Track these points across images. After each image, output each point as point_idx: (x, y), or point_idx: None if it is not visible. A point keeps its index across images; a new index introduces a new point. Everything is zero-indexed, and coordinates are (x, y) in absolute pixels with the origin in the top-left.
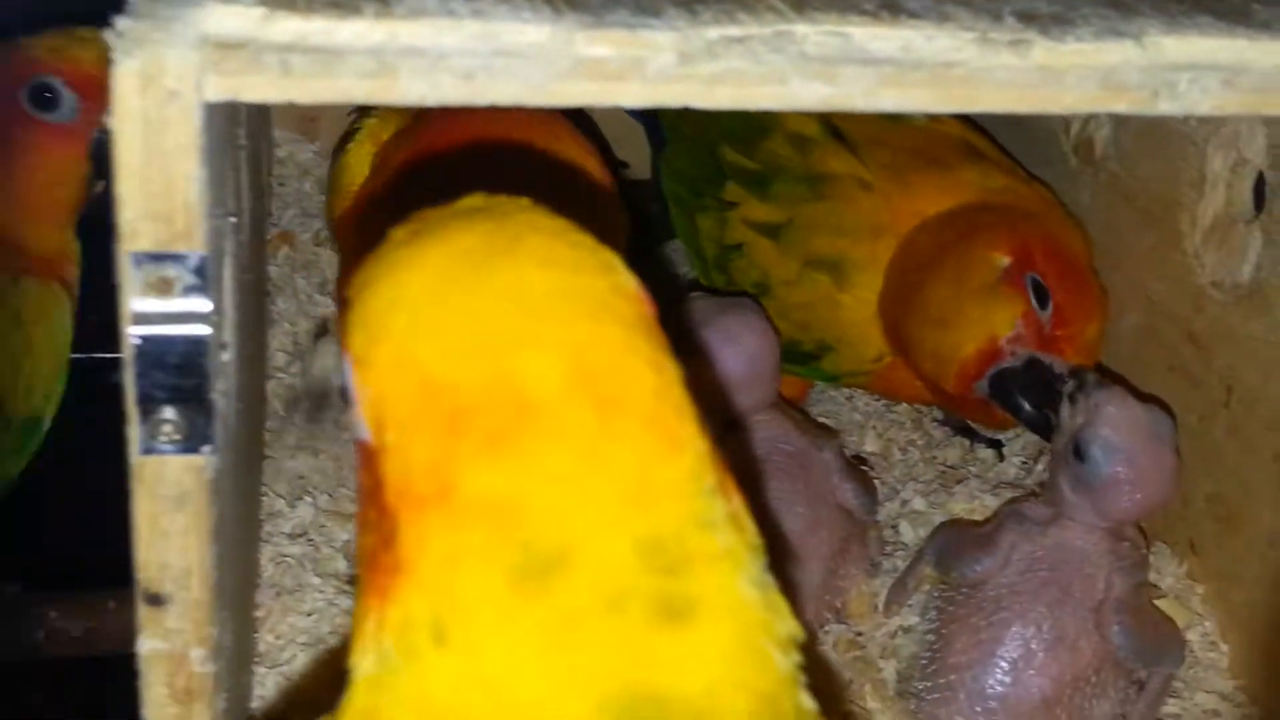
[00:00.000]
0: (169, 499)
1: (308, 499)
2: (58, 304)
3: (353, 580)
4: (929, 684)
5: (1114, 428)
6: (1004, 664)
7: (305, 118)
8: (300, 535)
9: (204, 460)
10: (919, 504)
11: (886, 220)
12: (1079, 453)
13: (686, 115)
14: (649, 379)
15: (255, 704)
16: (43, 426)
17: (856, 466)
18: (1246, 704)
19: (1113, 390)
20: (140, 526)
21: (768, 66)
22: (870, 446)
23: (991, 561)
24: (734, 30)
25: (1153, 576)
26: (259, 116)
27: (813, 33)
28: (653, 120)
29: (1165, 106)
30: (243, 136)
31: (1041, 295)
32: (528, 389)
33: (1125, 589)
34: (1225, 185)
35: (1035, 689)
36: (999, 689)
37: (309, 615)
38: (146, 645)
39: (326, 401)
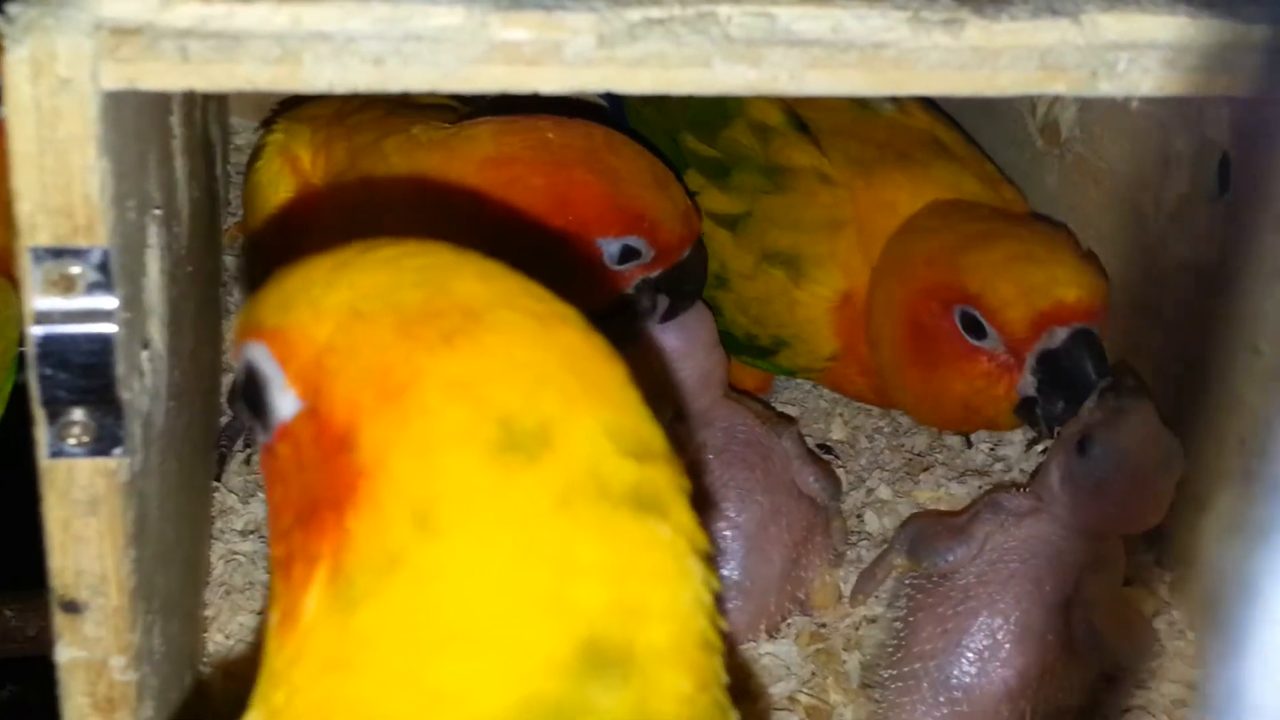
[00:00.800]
0: (81, 503)
1: (260, 495)
2: (5, 300)
3: None
4: (893, 673)
5: (1128, 436)
6: (969, 655)
7: (264, 105)
8: (252, 532)
9: (116, 463)
10: (884, 493)
11: (846, 215)
12: (1083, 446)
13: (649, 98)
14: (579, 322)
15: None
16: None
17: (816, 454)
18: None
19: (1144, 404)
20: (52, 532)
21: (690, 49)
22: (837, 434)
23: (965, 551)
24: (655, 11)
25: None
26: (214, 104)
27: (737, 13)
28: (617, 101)
29: (1105, 87)
30: (176, 125)
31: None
32: (468, 301)
33: (1097, 586)
34: (1190, 166)
35: (1000, 680)
36: (963, 679)
37: (260, 614)
38: (65, 654)
39: None
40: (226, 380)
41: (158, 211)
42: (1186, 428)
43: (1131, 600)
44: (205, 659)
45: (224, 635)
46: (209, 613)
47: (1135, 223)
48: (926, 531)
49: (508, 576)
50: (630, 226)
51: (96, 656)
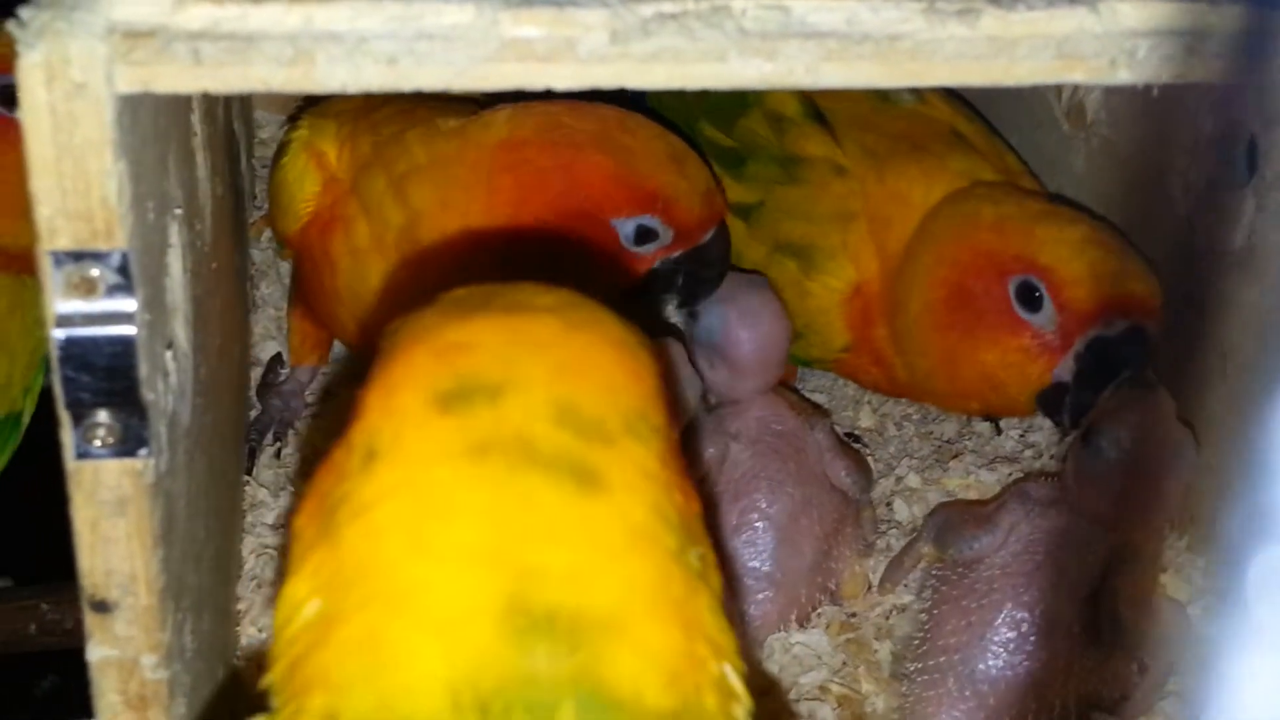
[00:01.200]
0: (108, 504)
1: (291, 489)
2: (32, 298)
3: None
4: (919, 665)
5: (1133, 428)
6: (994, 647)
7: (288, 100)
8: (284, 526)
9: (142, 464)
10: (913, 480)
11: (858, 207)
12: (1088, 437)
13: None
14: (625, 341)
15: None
16: (22, 422)
17: (849, 446)
18: None
19: (1159, 397)
20: (80, 532)
21: (705, 43)
22: (865, 422)
23: (990, 540)
24: (668, 6)
25: None
26: (237, 100)
27: (751, 6)
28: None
29: (1125, 75)
30: (197, 123)
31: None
32: (513, 302)
33: (1126, 577)
34: (1217, 149)
35: (1025, 673)
36: (988, 672)
37: None
38: (96, 653)
39: None
40: (255, 374)
41: (179, 211)
42: (1217, 414)
43: (1163, 593)
44: (239, 652)
45: (257, 629)
46: (241, 607)
47: (1163, 206)
48: (953, 520)
49: (417, 500)
50: (643, 205)
51: (128, 655)
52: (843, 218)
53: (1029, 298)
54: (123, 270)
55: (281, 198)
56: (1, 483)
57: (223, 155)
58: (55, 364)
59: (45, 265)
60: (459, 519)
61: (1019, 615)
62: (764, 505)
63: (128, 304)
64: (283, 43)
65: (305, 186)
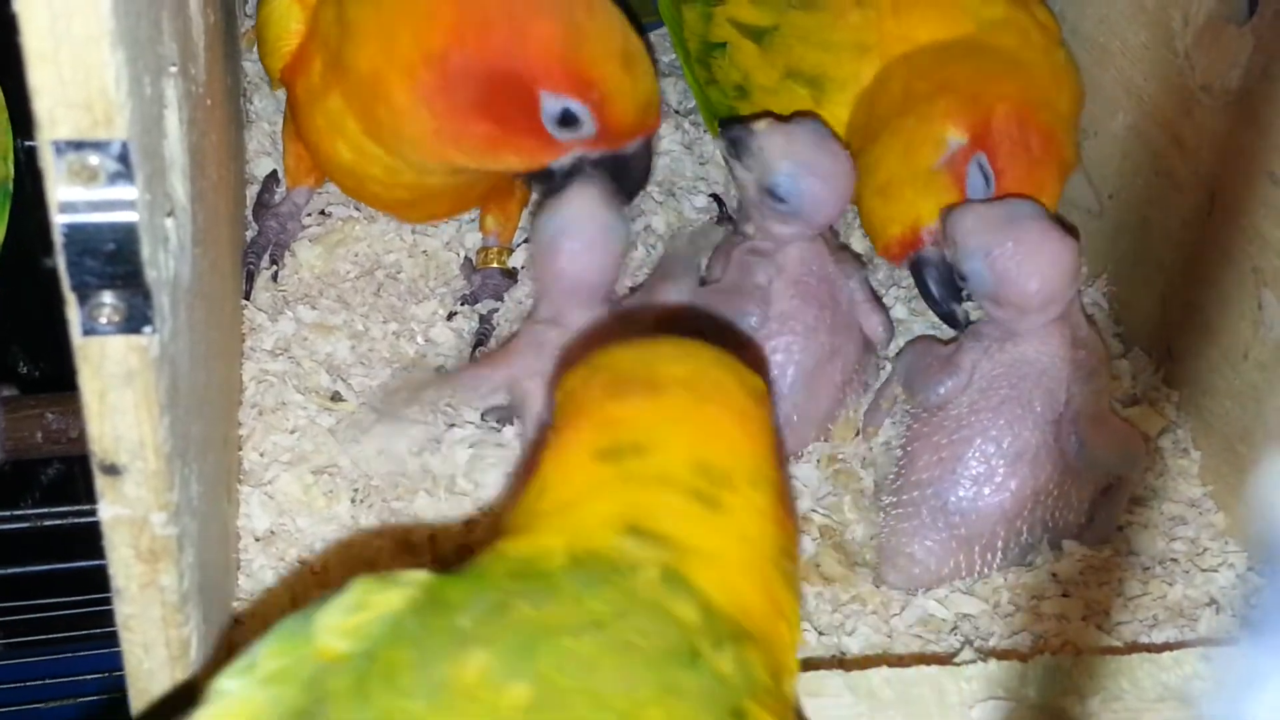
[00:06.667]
0: (115, 376)
1: (288, 313)
2: None
3: (335, 396)
4: (894, 499)
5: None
6: (965, 481)
7: None
8: (282, 352)
9: (147, 340)
10: (900, 311)
11: (873, 40)
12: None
13: None
14: (745, 410)
15: (241, 521)
16: (8, 189)
17: (879, 299)
18: (1212, 511)
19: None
20: (89, 403)
21: None
22: (855, 248)
23: (955, 383)
24: None
25: (1127, 381)
26: None
27: None
28: None
29: None
30: None
31: (986, 178)
32: (659, 376)
33: (1084, 398)
34: None
35: (996, 504)
36: (960, 504)
37: (291, 433)
38: (108, 511)
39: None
40: (251, 192)
41: (174, 68)
42: (1203, 252)
43: (1118, 415)
44: (241, 477)
45: (259, 454)
46: (243, 432)
47: (1162, 40)
48: (918, 365)
49: (584, 496)
50: (578, 89)
51: (138, 514)
52: (857, 49)
53: None
54: (123, 159)
55: (268, 35)
56: (5, 296)
57: None
58: (59, 249)
59: (46, 154)
60: (602, 497)
61: (989, 449)
62: (795, 350)
63: (129, 192)
64: None
65: (289, 24)
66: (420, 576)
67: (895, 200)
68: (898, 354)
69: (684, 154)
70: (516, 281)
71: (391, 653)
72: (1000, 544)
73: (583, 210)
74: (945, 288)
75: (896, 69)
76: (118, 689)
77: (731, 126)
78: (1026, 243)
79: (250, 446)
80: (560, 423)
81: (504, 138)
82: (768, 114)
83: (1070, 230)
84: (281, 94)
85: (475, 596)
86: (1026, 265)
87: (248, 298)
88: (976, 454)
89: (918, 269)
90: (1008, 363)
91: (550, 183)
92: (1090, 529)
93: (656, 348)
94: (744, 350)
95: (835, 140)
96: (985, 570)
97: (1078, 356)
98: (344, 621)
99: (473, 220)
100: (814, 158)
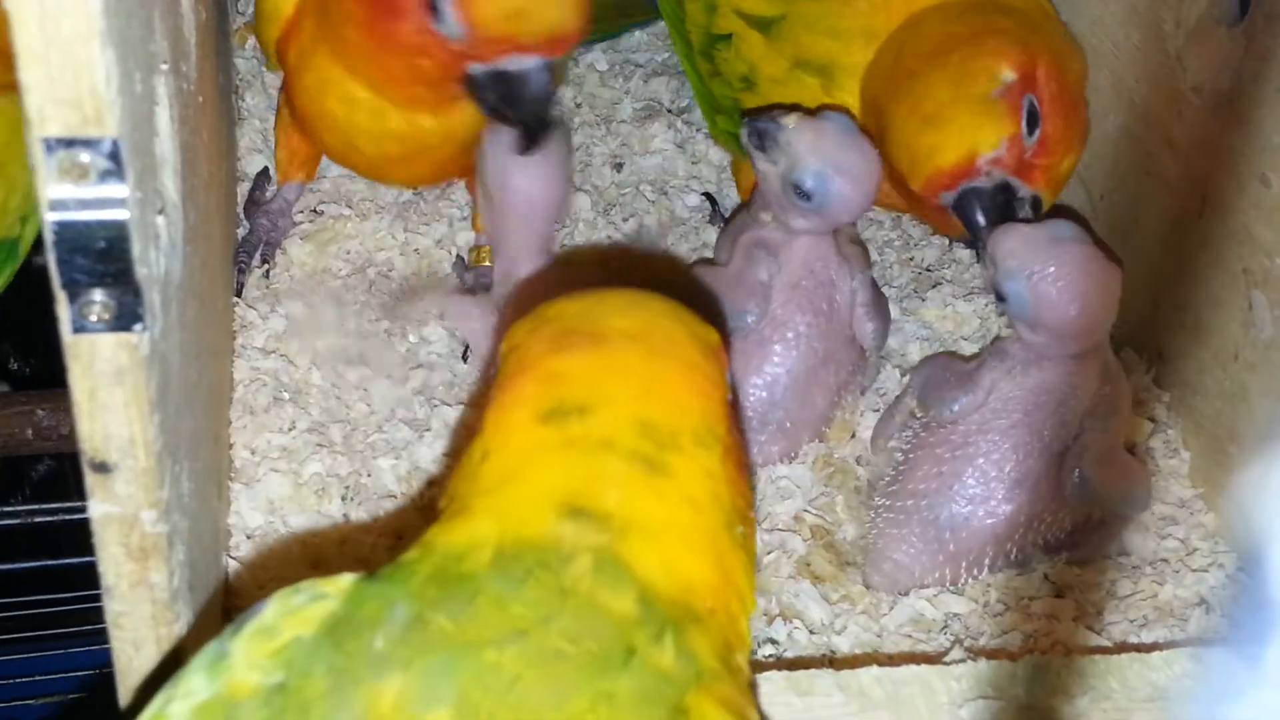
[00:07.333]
0: (105, 374)
1: (280, 310)
2: None
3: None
4: (886, 504)
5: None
6: (960, 498)
7: None
8: (273, 351)
9: (137, 337)
10: (892, 311)
11: (882, 25)
12: (999, 295)
13: None
14: (697, 365)
15: (232, 519)
16: (20, 250)
17: (881, 300)
18: (1202, 511)
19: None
20: (79, 400)
21: None
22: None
23: (970, 400)
24: None
25: None
26: None
27: None
28: None
29: None
30: None
31: (1033, 120)
32: (605, 329)
33: (1096, 433)
34: None
35: (988, 525)
36: (952, 521)
37: (282, 431)
38: (98, 509)
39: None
40: (243, 190)
41: (165, 66)
42: (1193, 253)
43: (1129, 452)
44: (232, 474)
45: (250, 451)
46: (234, 429)
47: (1153, 41)
48: (935, 379)
49: (524, 466)
50: None
51: (128, 512)
52: (867, 36)
53: None
54: (114, 156)
55: (265, 7)
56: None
57: None
58: (50, 246)
59: (37, 151)
60: (542, 468)
61: (990, 471)
62: (787, 356)
63: (119, 190)
64: None
65: (286, 3)
66: (342, 584)
67: (948, 126)
68: (915, 367)
69: (676, 153)
70: None
71: (305, 683)
72: (987, 561)
73: (492, 153)
74: (997, 217)
75: (929, 16)
76: (107, 686)
77: (758, 117)
78: (1070, 266)
79: (241, 444)
80: (504, 378)
81: (395, 27)
82: (796, 107)
83: (1113, 257)
84: (273, 91)
85: (393, 609)
86: (1069, 290)
87: (239, 295)
88: (977, 474)
89: (968, 199)
90: (1029, 387)
91: (485, 104)
92: (1078, 551)
93: (605, 298)
94: (702, 301)
95: (864, 139)
96: (969, 581)
97: (1103, 391)
98: (259, 648)
99: (465, 219)
100: (844, 157)
